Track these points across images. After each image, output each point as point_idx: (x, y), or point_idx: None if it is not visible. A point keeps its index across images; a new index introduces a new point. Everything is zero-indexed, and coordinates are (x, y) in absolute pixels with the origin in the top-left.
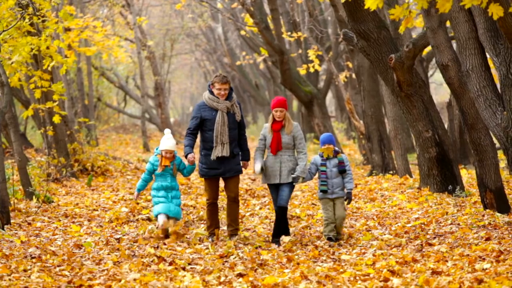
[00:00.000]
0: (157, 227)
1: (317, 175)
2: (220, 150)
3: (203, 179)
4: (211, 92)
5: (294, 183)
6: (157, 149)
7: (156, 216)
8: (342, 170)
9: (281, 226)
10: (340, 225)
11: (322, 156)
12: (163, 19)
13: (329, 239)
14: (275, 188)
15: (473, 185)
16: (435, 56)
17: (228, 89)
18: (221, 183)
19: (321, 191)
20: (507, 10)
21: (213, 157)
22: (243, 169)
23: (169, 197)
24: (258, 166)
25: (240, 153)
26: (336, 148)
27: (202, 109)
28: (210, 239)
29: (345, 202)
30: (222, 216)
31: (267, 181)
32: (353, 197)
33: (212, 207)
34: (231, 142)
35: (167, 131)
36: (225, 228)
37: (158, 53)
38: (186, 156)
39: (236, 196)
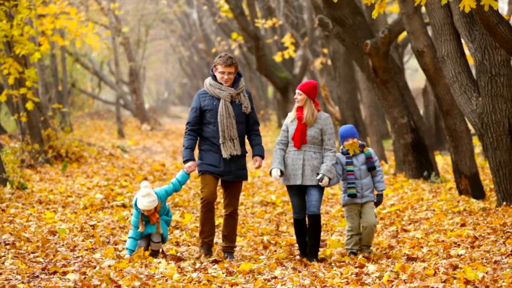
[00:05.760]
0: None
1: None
2: (231, 148)
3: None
4: (214, 77)
5: (320, 184)
6: (135, 204)
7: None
8: (371, 167)
9: (314, 239)
10: (370, 235)
11: (346, 153)
12: (138, 4)
13: (352, 253)
14: (296, 191)
15: (448, 171)
16: (411, 42)
17: (234, 73)
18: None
19: (349, 195)
20: (479, 2)
21: (225, 155)
22: (258, 164)
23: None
24: (275, 172)
25: (245, 154)
26: (361, 141)
27: (202, 97)
28: (202, 250)
29: (374, 206)
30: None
31: (285, 181)
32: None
33: (207, 209)
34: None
35: (143, 184)
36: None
37: (133, 39)
38: (184, 162)
39: (234, 211)
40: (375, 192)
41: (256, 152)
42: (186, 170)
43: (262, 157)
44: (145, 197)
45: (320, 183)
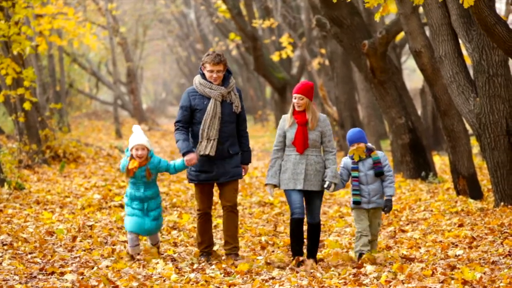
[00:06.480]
0: (129, 247)
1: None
2: (204, 147)
3: (192, 185)
4: (203, 76)
5: (326, 191)
6: (127, 150)
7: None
8: (378, 173)
9: (314, 243)
10: (372, 248)
11: (352, 158)
12: (136, 4)
13: (362, 255)
14: (297, 191)
15: (446, 171)
16: (408, 43)
17: (223, 71)
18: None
19: (354, 202)
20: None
21: (197, 153)
22: (244, 174)
23: (145, 209)
24: (271, 190)
25: (238, 153)
26: (369, 145)
27: (192, 96)
28: (201, 259)
29: (383, 213)
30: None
31: (284, 186)
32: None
33: (204, 219)
34: (226, 138)
35: (135, 127)
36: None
37: (131, 39)
38: (183, 155)
39: (233, 206)
40: (385, 197)
41: (244, 160)
42: (187, 163)
43: (248, 163)
44: (139, 134)
45: (327, 190)
